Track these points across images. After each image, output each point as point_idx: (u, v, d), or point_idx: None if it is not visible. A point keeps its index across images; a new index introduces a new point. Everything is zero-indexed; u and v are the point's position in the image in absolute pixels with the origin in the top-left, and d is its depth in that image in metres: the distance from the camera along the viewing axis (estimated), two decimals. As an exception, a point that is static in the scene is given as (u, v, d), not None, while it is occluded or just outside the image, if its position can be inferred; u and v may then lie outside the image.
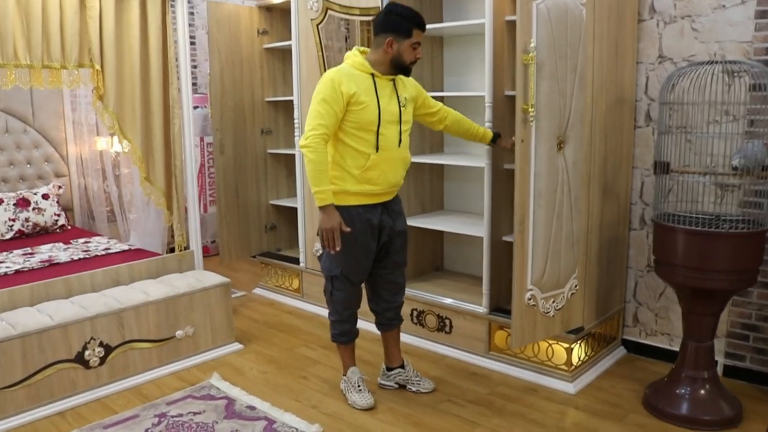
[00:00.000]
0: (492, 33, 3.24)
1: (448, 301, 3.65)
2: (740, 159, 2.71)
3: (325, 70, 3.98)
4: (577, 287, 3.15)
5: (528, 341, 3.07)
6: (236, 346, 3.76)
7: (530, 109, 2.76)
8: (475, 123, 3.20)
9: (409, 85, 3.02)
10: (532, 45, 2.71)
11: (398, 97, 2.91)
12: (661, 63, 3.34)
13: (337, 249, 2.84)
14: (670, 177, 3.34)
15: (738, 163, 2.72)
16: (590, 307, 3.29)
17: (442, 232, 4.21)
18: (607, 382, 3.29)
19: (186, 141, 3.86)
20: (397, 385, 3.26)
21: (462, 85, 4.02)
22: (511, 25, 3.32)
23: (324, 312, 4.25)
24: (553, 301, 3.06)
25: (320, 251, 3.08)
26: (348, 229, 2.85)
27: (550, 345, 3.25)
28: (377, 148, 2.82)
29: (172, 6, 3.80)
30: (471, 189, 4.11)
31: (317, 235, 3.02)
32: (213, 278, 3.70)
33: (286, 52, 4.66)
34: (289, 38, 4.55)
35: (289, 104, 4.71)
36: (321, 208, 2.79)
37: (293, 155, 4.76)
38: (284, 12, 4.60)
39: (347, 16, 3.88)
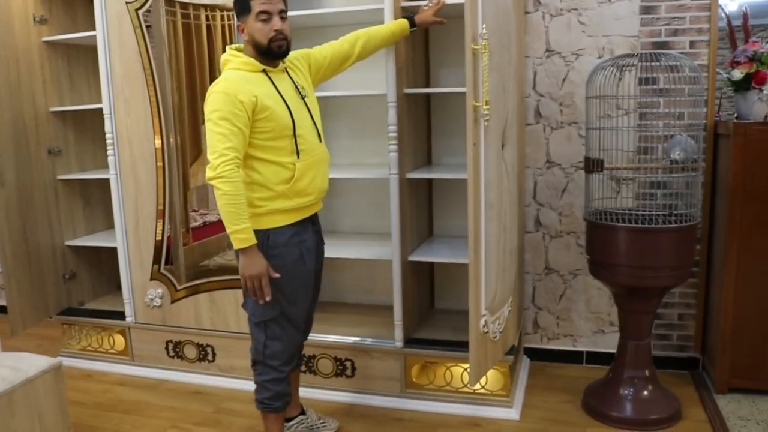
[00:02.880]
0: (393, 20, 2.77)
1: (351, 339, 3.09)
2: (680, 152, 2.66)
3: (151, 67, 3.13)
4: (512, 303, 2.85)
5: (483, 374, 2.68)
6: (78, 448, 2.73)
7: (484, 107, 2.37)
8: (381, 25, 2.71)
9: (299, 64, 2.50)
10: (484, 31, 2.32)
11: (297, 88, 2.40)
12: (549, 57, 3.20)
13: (268, 299, 2.26)
14: (563, 173, 3.24)
15: (678, 156, 2.67)
16: (515, 322, 3.03)
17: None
18: (537, 398, 3.06)
19: (-38, 170, 2.67)
20: None
21: (327, 84, 3.45)
22: (406, 12, 2.91)
23: (166, 374, 3.40)
24: (498, 323, 2.71)
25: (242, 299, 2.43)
26: (277, 275, 2.29)
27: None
28: (298, 154, 2.33)
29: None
30: (335, 204, 3.57)
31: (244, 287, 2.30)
32: (35, 362, 2.60)
33: (71, 48, 3.57)
34: (74, 29, 3.55)
35: (80, 115, 3.64)
36: (241, 250, 2.20)
37: (91, 181, 3.69)
38: (66, -6, 3.53)
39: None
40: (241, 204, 2.18)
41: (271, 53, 2.29)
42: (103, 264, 3.84)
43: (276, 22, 2.28)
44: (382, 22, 2.78)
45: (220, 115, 2.17)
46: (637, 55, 2.86)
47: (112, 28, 3.15)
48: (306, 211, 2.43)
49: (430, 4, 2.74)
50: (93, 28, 3.27)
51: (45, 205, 3.46)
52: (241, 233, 2.19)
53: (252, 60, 2.31)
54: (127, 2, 3.10)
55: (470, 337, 2.53)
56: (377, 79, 3.24)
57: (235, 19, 2.37)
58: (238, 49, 2.38)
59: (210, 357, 3.33)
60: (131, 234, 3.33)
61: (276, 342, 2.39)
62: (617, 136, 2.82)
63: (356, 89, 3.25)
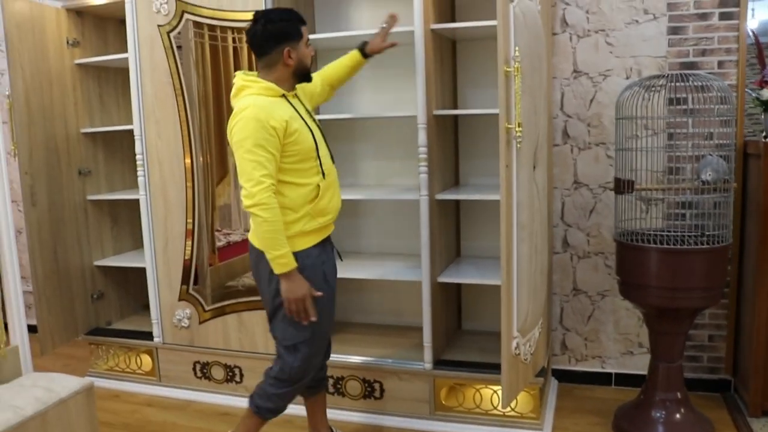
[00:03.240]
0: (423, 43, 2.80)
1: (379, 360, 3.08)
2: (711, 173, 2.65)
3: (182, 87, 3.17)
4: (542, 324, 2.84)
5: (514, 396, 2.66)
6: (109, 470, 2.73)
7: (517, 129, 2.37)
8: (340, 60, 2.71)
9: (300, 91, 2.54)
10: (516, 53, 2.33)
11: (308, 110, 2.48)
12: (577, 78, 3.21)
13: (313, 319, 2.34)
14: (591, 194, 3.23)
15: (709, 176, 2.66)
16: (544, 343, 3.01)
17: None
18: (567, 420, 3.03)
19: (-1, 191, 2.71)
20: None
21: (348, 105, 3.48)
22: (437, 35, 2.94)
23: (194, 395, 3.40)
24: (529, 345, 2.70)
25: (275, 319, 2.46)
26: (320, 294, 2.33)
27: (512, 393, 2.89)
28: (323, 175, 2.40)
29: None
30: (361, 224, 3.58)
31: (286, 307, 2.33)
32: (67, 383, 2.61)
33: (102, 70, 3.63)
34: (105, 51, 3.61)
35: (110, 136, 3.69)
36: (283, 274, 2.28)
37: (119, 201, 3.73)
38: (99, 18, 3.59)
39: (215, 22, 3.11)
40: (280, 230, 2.23)
41: (308, 75, 2.43)
42: (130, 284, 3.87)
43: (312, 47, 2.43)
44: (412, 44, 2.80)
45: (254, 142, 2.19)
46: (665, 76, 2.86)
47: (144, 50, 3.20)
48: (326, 230, 2.48)
49: (381, 29, 2.71)
50: (124, 50, 3.33)
51: (75, 225, 3.49)
52: (282, 258, 2.23)
53: (273, 85, 2.33)
54: (159, 25, 3.14)
55: (502, 359, 2.51)
56: (403, 100, 3.27)
57: (278, 46, 2.31)
58: (249, 74, 2.39)
59: (238, 378, 3.33)
60: (160, 254, 3.35)
61: (302, 363, 2.42)
62: (646, 157, 2.82)
63: (384, 110, 3.28)
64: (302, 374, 2.45)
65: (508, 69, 2.33)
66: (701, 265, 2.65)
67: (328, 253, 2.50)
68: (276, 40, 2.32)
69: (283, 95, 2.36)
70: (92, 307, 3.62)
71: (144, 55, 3.21)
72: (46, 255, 3.28)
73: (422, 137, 2.84)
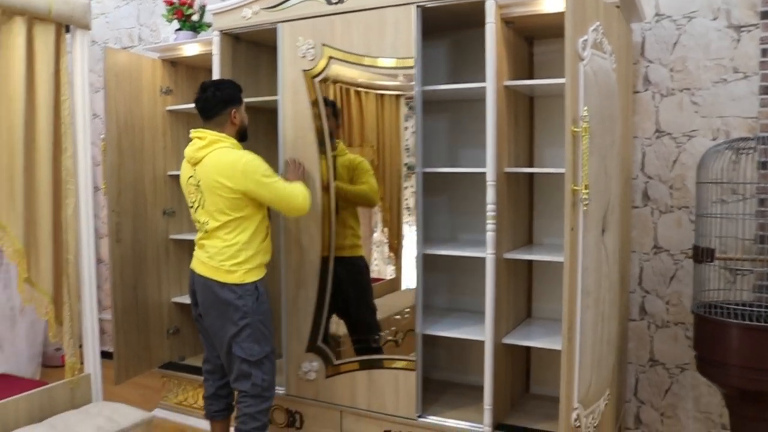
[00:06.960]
0: (494, 100, 2.77)
1: (438, 420, 2.99)
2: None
3: (326, 137, 3.11)
4: (609, 396, 2.67)
5: (573, 471, 2.51)
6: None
7: (584, 191, 2.29)
8: None
9: None
10: (585, 113, 2.27)
11: None
12: (659, 138, 3.08)
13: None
14: (672, 260, 3.05)
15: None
16: (612, 415, 2.83)
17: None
18: (636, 503, 2.83)
19: (83, 227, 2.89)
20: None
21: (426, 158, 3.47)
22: (510, 91, 2.91)
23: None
24: (592, 418, 2.54)
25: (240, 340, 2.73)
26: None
27: (575, 467, 2.72)
28: (270, 216, 2.90)
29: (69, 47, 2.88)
30: (432, 279, 3.53)
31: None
32: (129, 414, 2.72)
33: (191, 116, 3.82)
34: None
35: (195, 178, 3.86)
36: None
37: (199, 240, 3.87)
38: (191, 68, 3.81)
39: (363, 71, 2.97)
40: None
41: (246, 135, 2.86)
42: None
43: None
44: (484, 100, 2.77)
45: (271, 172, 2.72)
46: (756, 138, 2.70)
47: (288, 93, 3.12)
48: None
49: None
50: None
51: (156, 262, 3.66)
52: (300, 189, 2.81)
53: (236, 142, 2.79)
54: (303, 69, 3.05)
55: (560, 431, 2.38)
56: (479, 156, 3.23)
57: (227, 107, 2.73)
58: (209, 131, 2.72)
59: (297, 424, 3.32)
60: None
61: (269, 376, 2.80)
62: (734, 224, 2.65)
63: (457, 165, 3.25)
64: (272, 385, 2.82)
65: (575, 129, 2.26)
66: (790, 345, 2.43)
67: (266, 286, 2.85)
68: (225, 103, 2.74)
69: None
70: (167, 341, 3.76)
71: (287, 98, 3.09)
72: (126, 289, 3.45)
73: (491, 195, 2.79)
